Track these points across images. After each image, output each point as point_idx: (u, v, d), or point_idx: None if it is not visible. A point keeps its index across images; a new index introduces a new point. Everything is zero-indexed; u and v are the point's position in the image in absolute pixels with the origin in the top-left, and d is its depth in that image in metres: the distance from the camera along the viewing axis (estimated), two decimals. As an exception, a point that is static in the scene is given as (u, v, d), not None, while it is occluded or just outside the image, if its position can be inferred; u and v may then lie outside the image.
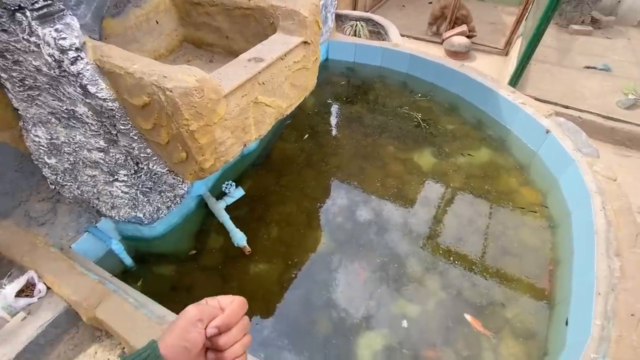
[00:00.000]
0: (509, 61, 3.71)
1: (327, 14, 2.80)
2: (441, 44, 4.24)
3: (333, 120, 2.65)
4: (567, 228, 1.73)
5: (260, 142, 2.32)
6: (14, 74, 1.22)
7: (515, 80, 2.95)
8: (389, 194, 2.03)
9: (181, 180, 1.48)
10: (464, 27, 4.02)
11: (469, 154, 2.25)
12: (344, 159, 2.27)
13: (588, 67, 3.70)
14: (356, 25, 3.34)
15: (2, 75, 1.26)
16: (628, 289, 1.28)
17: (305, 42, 1.33)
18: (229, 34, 1.56)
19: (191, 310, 0.44)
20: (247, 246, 1.68)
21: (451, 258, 1.71)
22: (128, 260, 1.67)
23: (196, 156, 1.09)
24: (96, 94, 1.08)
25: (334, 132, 2.52)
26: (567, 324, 1.40)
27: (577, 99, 3.15)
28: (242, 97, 1.16)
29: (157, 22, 1.56)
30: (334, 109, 2.74)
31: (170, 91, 0.94)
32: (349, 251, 1.75)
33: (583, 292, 1.41)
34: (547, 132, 2.03)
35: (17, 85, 1.25)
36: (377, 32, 3.52)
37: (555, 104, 2.99)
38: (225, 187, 1.92)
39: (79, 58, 1.03)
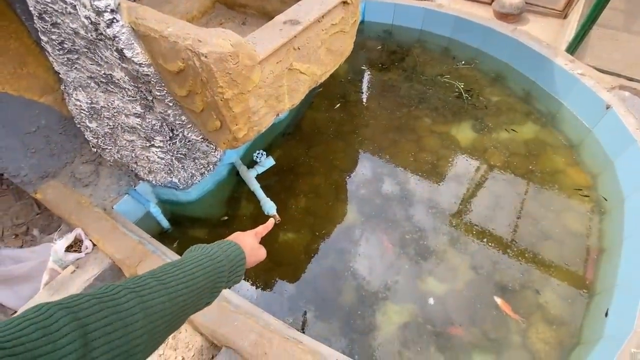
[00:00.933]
0: (567, 25, 3.30)
1: (366, -30, 2.57)
2: (490, 4, 3.83)
3: (366, 89, 2.52)
4: (619, 215, 1.59)
5: (290, 111, 2.27)
6: (54, 37, 1.23)
7: (574, 47, 2.63)
8: (423, 170, 1.95)
9: (214, 147, 1.48)
10: (518, -16, 3.57)
11: (512, 130, 2.09)
12: (376, 131, 2.19)
13: (663, 32, 3.22)
14: (396, -18, 3.05)
15: (42, 38, 1.27)
16: (685, 286, 1.18)
17: (344, 2, 1.22)
18: (263, -7, 1.47)
19: (253, 238, 0.81)
20: (277, 215, 1.70)
21: (485, 239, 1.64)
22: (165, 223, 1.75)
23: (230, 125, 1.08)
24: (132, 59, 1.07)
25: (366, 102, 2.41)
26: (606, 315, 1.33)
27: (645, 70, 2.77)
28: (277, 64, 1.10)
29: (189, -19, 1.50)
30: (368, 76, 2.61)
31: (205, 57, 0.90)
32: (377, 226, 1.73)
33: (629, 284, 1.32)
34: (608, 107, 1.82)
35: (57, 48, 1.26)
36: (419, -10, 3.21)
37: (619, 75, 2.66)
38: (256, 156, 1.92)
39: (115, 20, 1.00)
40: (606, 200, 1.70)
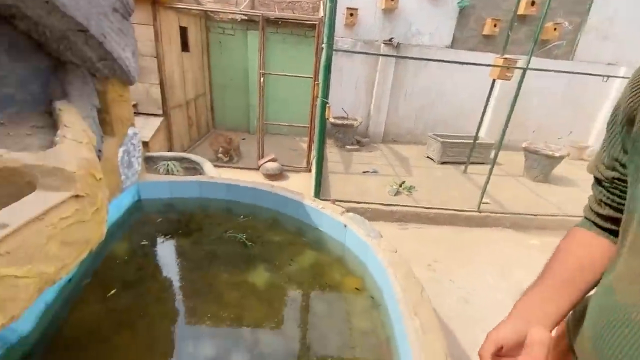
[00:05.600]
0: (312, 176, 4.58)
1: (132, 158, 2.78)
2: (258, 169, 4.87)
3: (151, 263, 2.37)
4: (385, 303, 2.00)
5: (40, 318, 1.76)
6: None
7: (317, 189, 3.62)
8: (227, 327, 1.84)
9: None
10: (272, 155, 4.82)
11: (291, 261, 2.42)
12: (169, 304, 1.99)
13: (365, 172, 5.02)
14: (168, 165, 3.43)
15: None
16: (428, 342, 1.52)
17: (76, 196, 1.22)
18: (-31, 199, 1.26)
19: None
20: None
21: (300, 377, 1.61)
22: None
23: None
24: None
25: (152, 277, 2.23)
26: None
27: (364, 195, 4.11)
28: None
29: None
30: (152, 249, 2.50)
31: None
32: None
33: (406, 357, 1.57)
34: (345, 226, 2.48)
35: None
36: (193, 168, 3.72)
37: (350, 201, 3.80)
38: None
39: None
40: (373, 298, 2.13)
